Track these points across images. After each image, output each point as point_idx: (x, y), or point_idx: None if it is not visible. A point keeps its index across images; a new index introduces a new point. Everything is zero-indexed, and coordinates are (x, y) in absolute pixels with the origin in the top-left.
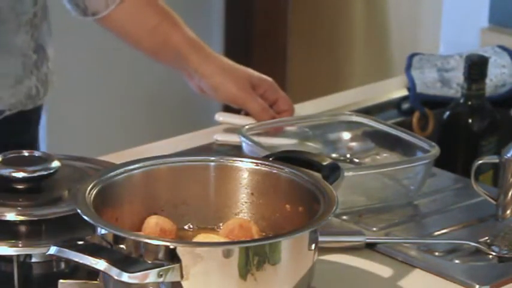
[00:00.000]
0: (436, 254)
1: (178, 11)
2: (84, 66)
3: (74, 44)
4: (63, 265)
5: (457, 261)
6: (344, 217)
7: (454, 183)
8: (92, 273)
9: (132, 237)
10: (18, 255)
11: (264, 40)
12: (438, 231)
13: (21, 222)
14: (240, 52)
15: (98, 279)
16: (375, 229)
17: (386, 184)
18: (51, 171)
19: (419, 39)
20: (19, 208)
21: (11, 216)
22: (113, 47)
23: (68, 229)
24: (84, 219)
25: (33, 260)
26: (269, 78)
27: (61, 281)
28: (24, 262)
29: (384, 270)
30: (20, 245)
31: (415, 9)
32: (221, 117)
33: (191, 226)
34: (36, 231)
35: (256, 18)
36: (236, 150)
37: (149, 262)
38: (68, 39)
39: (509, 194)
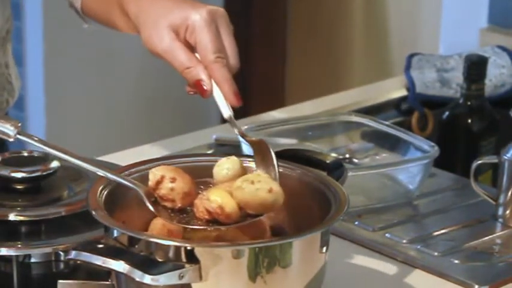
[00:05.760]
0: (436, 254)
1: None
2: (84, 67)
3: (74, 44)
4: (62, 265)
5: (456, 261)
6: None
7: (453, 184)
8: (91, 274)
9: (154, 240)
10: (17, 256)
11: (263, 40)
12: (437, 231)
13: (21, 222)
14: (239, 52)
15: (110, 280)
16: (374, 229)
17: (386, 184)
18: (51, 171)
19: (418, 39)
20: (18, 208)
21: (10, 216)
22: (113, 47)
23: (67, 229)
24: (100, 222)
25: (33, 260)
26: (193, 15)
27: (60, 281)
28: (23, 262)
29: (384, 270)
30: (19, 245)
31: (414, 9)
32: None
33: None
34: (35, 232)
35: (255, 18)
36: (236, 150)
37: (170, 264)
38: (67, 40)
39: (509, 194)
